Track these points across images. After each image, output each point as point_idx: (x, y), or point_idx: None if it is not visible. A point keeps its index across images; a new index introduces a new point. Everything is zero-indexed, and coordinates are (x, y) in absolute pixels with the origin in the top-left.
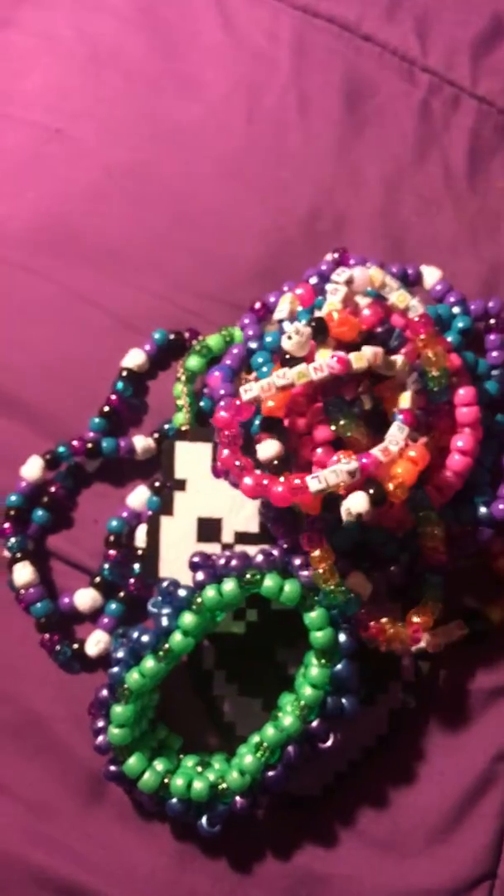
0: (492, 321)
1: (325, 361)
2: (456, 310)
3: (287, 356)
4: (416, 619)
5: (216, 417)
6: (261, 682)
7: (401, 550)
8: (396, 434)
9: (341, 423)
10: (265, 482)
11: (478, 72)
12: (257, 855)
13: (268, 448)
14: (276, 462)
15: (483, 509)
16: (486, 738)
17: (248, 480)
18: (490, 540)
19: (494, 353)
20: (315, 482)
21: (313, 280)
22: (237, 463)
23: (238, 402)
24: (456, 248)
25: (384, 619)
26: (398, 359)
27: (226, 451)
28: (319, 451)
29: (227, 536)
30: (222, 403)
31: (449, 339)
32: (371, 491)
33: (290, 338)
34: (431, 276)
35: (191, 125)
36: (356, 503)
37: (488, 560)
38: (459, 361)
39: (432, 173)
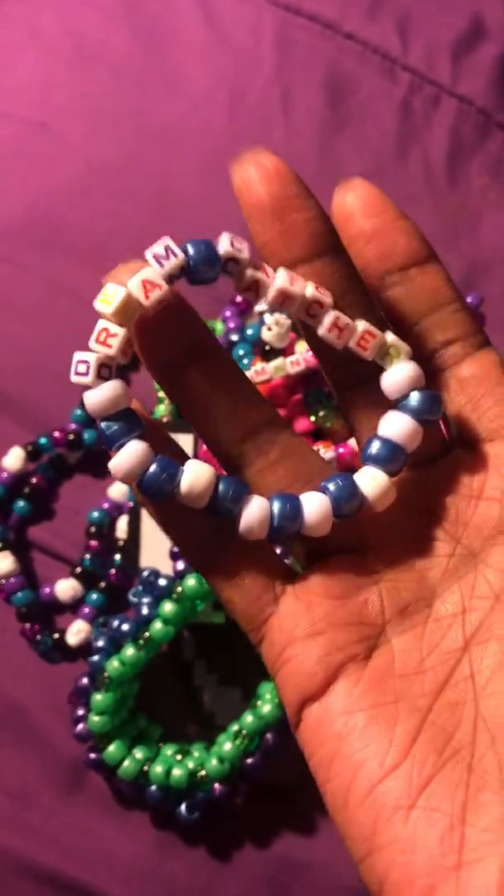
0: None
1: (302, 355)
2: None
3: (267, 347)
4: None
5: None
6: (241, 672)
7: None
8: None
9: (321, 414)
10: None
11: (458, 71)
12: (237, 842)
13: None
14: None
15: None
16: None
17: None
18: None
19: None
20: None
21: None
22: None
23: None
24: (436, 244)
25: None
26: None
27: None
28: None
29: None
30: None
31: None
32: None
33: (269, 329)
34: None
35: (174, 120)
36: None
37: None
38: None
39: (413, 170)
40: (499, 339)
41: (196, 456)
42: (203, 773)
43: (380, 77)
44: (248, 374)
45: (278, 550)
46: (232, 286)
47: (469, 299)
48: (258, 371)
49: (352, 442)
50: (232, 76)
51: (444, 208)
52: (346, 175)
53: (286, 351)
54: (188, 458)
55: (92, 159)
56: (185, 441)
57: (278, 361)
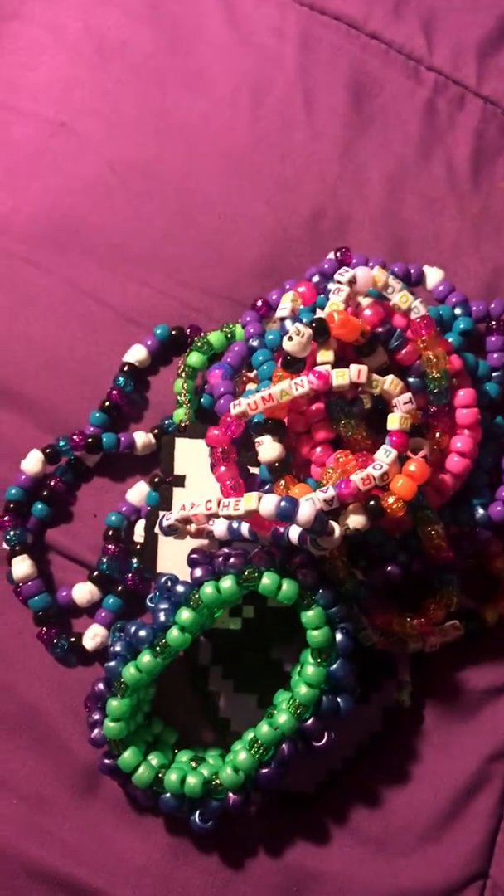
0: (493, 323)
1: (306, 378)
2: (457, 311)
3: (288, 357)
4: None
5: (209, 437)
6: (256, 679)
7: (399, 550)
8: (382, 458)
9: (342, 423)
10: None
11: (483, 72)
12: (250, 851)
13: (268, 451)
14: (276, 464)
15: (481, 511)
16: (479, 738)
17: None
18: (488, 541)
19: (495, 355)
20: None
21: (315, 278)
22: (228, 482)
23: (229, 419)
24: (458, 248)
25: (393, 613)
26: (386, 379)
27: (223, 468)
28: (318, 449)
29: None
30: (221, 401)
31: (450, 340)
32: (370, 505)
33: (290, 339)
34: (434, 276)
35: (196, 121)
36: (354, 520)
37: (485, 561)
38: (460, 363)
39: (436, 173)
40: None
41: (212, 463)
42: (217, 781)
43: (404, 77)
44: (255, 396)
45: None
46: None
47: (492, 306)
48: (265, 398)
49: (355, 477)
50: (254, 76)
51: (467, 211)
52: (368, 177)
53: (307, 361)
54: None
55: (113, 159)
56: (204, 446)
57: (284, 384)
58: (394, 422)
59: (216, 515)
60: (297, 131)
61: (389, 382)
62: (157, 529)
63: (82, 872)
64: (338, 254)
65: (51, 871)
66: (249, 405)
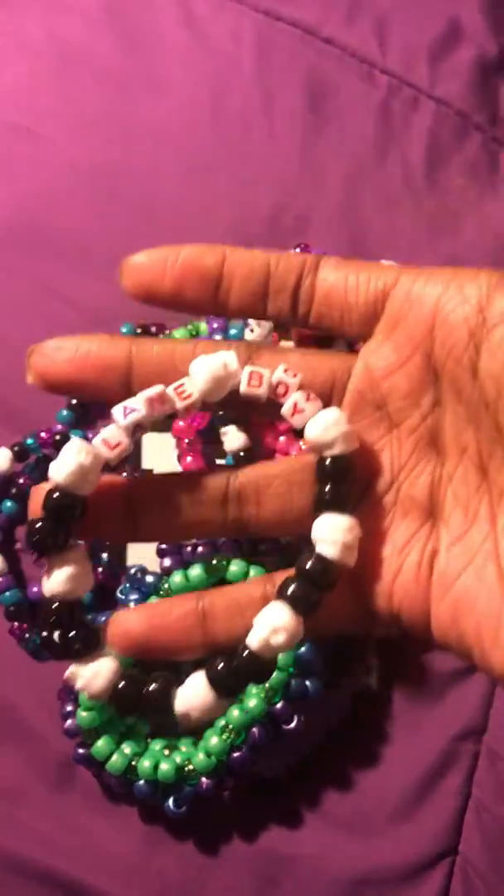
0: None
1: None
2: None
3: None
4: None
5: (175, 427)
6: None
7: None
8: None
9: None
10: None
11: (435, 74)
12: (224, 837)
13: (234, 440)
14: (241, 453)
15: None
16: (447, 718)
17: None
18: None
19: None
20: None
21: None
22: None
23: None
24: (415, 244)
25: None
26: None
27: (188, 458)
28: (282, 438)
29: None
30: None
31: None
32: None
33: (252, 331)
34: None
35: (157, 124)
36: None
37: None
38: None
39: (392, 172)
40: None
41: (178, 454)
42: (190, 767)
43: (359, 80)
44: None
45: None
46: None
47: None
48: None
49: None
50: (213, 80)
51: (422, 209)
52: (326, 177)
53: None
54: None
55: (77, 163)
56: (171, 440)
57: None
58: None
59: None
60: (256, 133)
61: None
62: None
63: (59, 863)
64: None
65: (28, 863)
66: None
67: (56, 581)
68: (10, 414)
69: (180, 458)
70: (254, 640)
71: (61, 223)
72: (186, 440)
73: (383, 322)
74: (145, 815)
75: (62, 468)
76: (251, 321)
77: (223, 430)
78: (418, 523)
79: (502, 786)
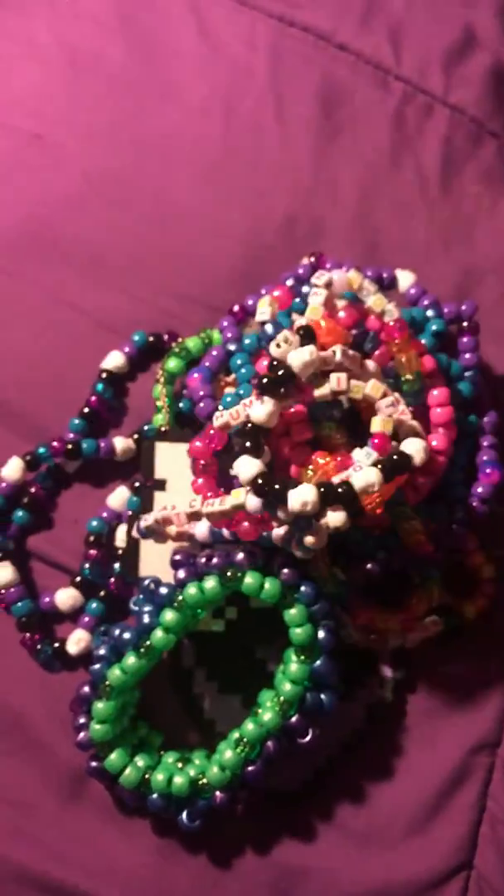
0: (464, 324)
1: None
2: (430, 313)
3: (275, 363)
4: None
5: (192, 448)
6: (241, 680)
7: (378, 548)
8: (363, 459)
9: (324, 425)
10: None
11: (450, 81)
12: (237, 850)
13: (246, 468)
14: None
15: (458, 507)
16: (462, 731)
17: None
18: (464, 538)
19: (467, 355)
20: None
21: (289, 282)
22: (209, 494)
23: (212, 432)
24: (429, 252)
25: (375, 610)
26: (368, 384)
27: (200, 480)
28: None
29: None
30: (201, 405)
31: (423, 341)
32: (349, 507)
33: (278, 345)
34: (406, 279)
35: (169, 131)
36: (334, 518)
37: (463, 557)
38: (433, 363)
39: (406, 179)
40: (493, 347)
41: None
42: (204, 780)
43: (373, 87)
44: (238, 406)
45: None
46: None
47: (463, 307)
48: (246, 404)
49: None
50: (226, 87)
51: (437, 217)
52: (340, 184)
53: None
54: None
55: (88, 170)
56: (184, 450)
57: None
58: (376, 424)
59: (199, 515)
60: (269, 140)
61: (371, 387)
62: (134, 532)
63: (71, 876)
64: (312, 258)
65: (40, 877)
66: (231, 415)
67: None
68: (22, 423)
69: (193, 479)
70: (356, 480)
71: (73, 231)
72: (202, 461)
73: None
74: (158, 828)
75: None
76: (270, 330)
77: (235, 464)
78: None
79: None
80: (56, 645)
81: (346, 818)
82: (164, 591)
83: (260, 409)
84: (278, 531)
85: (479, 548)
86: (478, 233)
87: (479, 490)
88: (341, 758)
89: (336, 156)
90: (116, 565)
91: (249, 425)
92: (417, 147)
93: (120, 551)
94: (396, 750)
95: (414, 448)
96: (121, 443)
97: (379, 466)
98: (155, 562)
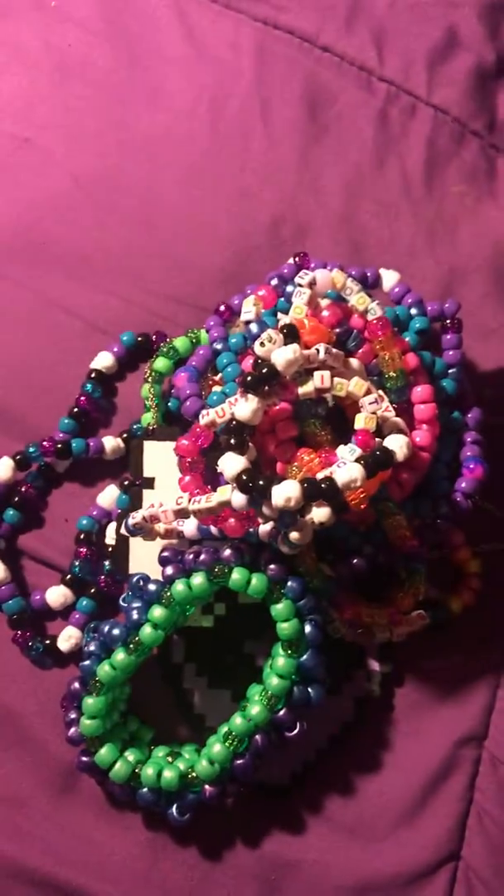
0: (447, 322)
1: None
2: (413, 311)
3: (259, 361)
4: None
5: (178, 446)
6: (230, 675)
7: (363, 543)
8: (346, 455)
9: (309, 422)
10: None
11: (433, 81)
12: (227, 843)
13: (231, 465)
14: (243, 476)
15: (442, 503)
16: (448, 724)
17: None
18: (450, 532)
19: (450, 353)
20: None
21: (274, 282)
22: (196, 492)
23: (198, 430)
24: (413, 251)
25: (361, 604)
26: (351, 381)
27: (187, 478)
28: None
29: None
30: (187, 403)
31: (407, 339)
32: (333, 502)
33: (262, 344)
34: (390, 278)
35: (157, 133)
36: (319, 514)
37: (448, 552)
38: (417, 361)
39: (390, 179)
40: (476, 344)
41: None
42: (193, 774)
43: (357, 88)
44: (223, 405)
45: None
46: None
47: (446, 305)
48: (231, 402)
49: (321, 476)
50: (212, 89)
51: (421, 216)
52: (325, 185)
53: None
54: None
55: (76, 173)
56: (169, 447)
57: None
58: (360, 421)
59: (186, 512)
60: (255, 142)
61: (354, 384)
62: (122, 529)
63: (63, 871)
64: (296, 258)
65: (32, 871)
66: (217, 413)
67: None
68: (12, 422)
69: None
70: (339, 476)
71: (61, 233)
72: (189, 459)
73: None
74: (149, 822)
75: None
76: (255, 329)
77: (220, 461)
78: None
79: None
80: (47, 642)
81: (334, 811)
82: (152, 587)
83: (244, 407)
84: (265, 527)
85: (465, 543)
86: (461, 232)
87: (463, 485)
88: (330, 751)
89: (321, 156)
90: (106, 563)
91: (234, 423)
92: (401, 147)
93: (109, 549)
94: (384, 743)
95: (397, 444)
96: (110, 442)
97: (362, 462)
98: (144, 560)
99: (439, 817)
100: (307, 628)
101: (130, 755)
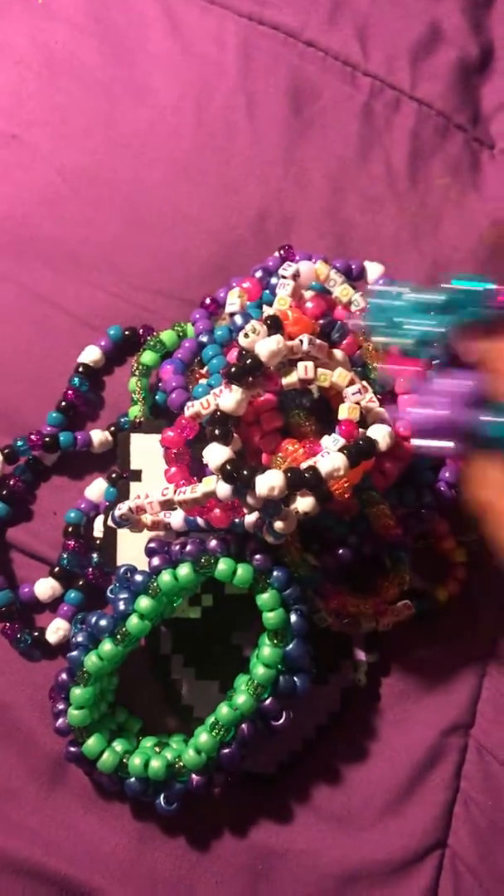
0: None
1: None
2: None
3: (243, 352)
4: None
5: (164, 438)
6: (217, 666)
7: (349, 533)
8: (330, 445)
9: (293, 413)
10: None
11: (417, 75)
12: (215, 833)
13: (215, 456)
14: (227, 467)
15: (426, 492)
16: (435, 713)
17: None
18: (435, 521)
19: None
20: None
21: (259, 274)
22: (182, 483)
23: (183, 421)
24: (398, 243)
25: (347, 594)
26: (334, 372)
27: (173, 470)
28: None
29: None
30: (173, 395)
31: None
32: (317, 491)
33: (246, 335)
34: (374, 271)
35: (143, 129)
36: (303, 503)
37: (434, 542)
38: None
39: (375, 172)
40: None
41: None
42: (180, 764)
43: (341, 83)
44: (208, 396)
45: None
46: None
47: None
48: (216, 394)
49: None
50: (197, 85)
51: (406, 209)
52: (310, 178)
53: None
54: None
55: (63, 169)
56: (156, 440)
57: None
58: (343, 411)
59: (172, 503)
60: (240, 136)
61: (338, 375)
62: (109, 521)
63: (52, 861)
64: (281, 251)
65: (21, 862)
66: (202, 404)
67: None
68: (1, 417)
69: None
70: (322, 465)
71: (49, 228)
72: (174, 451)
73: None
74: (137, 812)
75: None
76: (240, 321)
77: (204, 452)
78: None
79: (490, 779)
80: (35, 634)
81: (321, 800)
82: (139, 578)
83: (228, 398)
84: (250, 518)
85: (451, 532)
86: (446, 224)
87: (447, 475)
88: (316, 740)
89: (306, 151)
90: (94, 556)
91: (219, 413)
92: (386, 141)
93: (97, 542)
94: (371, 732)
95: (379, 434)
96: (98, 435)
97: (345, 452)
98: (132, 552)
99: (426, 805)
100: (293, 618)
101: (118, 745)
